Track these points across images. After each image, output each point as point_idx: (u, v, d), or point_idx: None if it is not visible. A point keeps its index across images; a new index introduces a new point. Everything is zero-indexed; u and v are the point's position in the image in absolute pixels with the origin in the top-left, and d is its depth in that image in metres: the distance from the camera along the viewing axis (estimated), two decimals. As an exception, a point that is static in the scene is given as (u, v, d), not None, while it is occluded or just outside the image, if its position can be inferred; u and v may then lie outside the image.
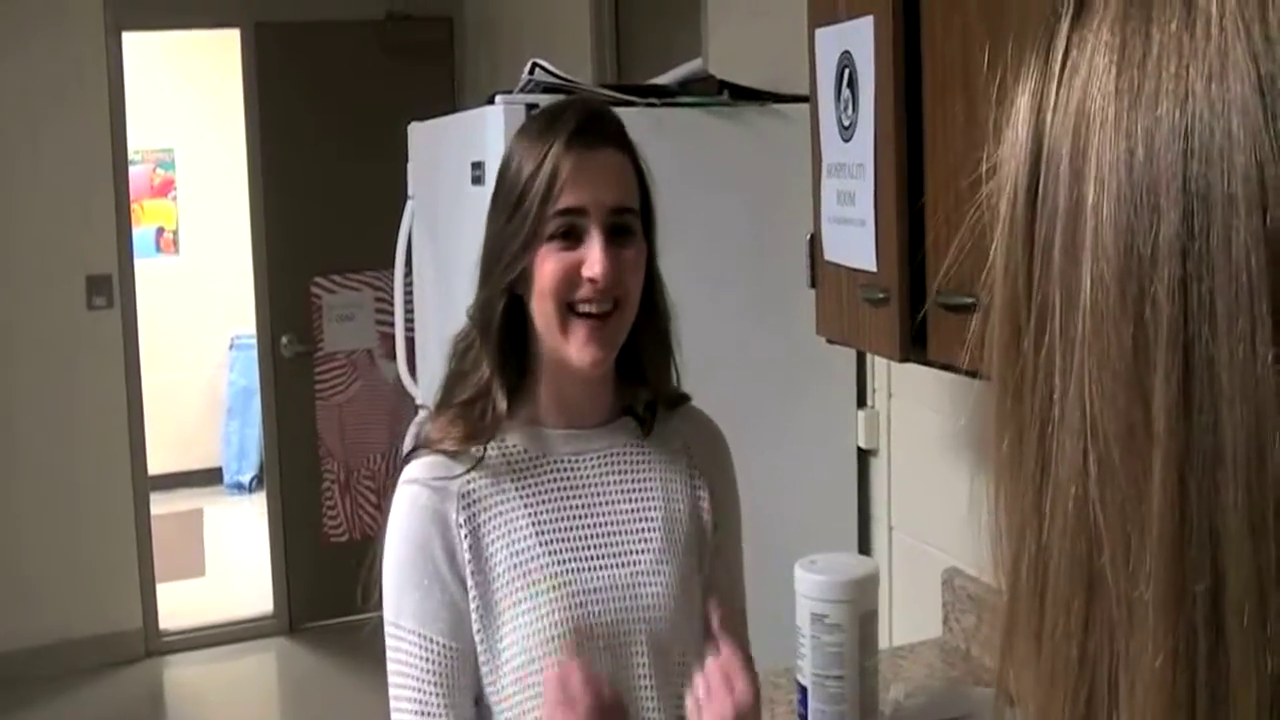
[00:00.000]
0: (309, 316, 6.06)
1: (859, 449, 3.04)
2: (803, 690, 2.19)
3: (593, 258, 1.69)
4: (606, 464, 1.83)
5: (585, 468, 1.82)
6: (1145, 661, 0.47)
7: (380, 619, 1.80)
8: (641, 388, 1.87)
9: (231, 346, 8.56)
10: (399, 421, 5.24)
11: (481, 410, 1.74)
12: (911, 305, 1.89)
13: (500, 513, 1.75)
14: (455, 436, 1.74)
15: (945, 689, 2.43)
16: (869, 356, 3.00)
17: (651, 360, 1.85)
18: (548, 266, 1.70)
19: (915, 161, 1.86)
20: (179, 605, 6.17)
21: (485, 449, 1.75)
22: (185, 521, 7.89)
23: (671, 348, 1.87)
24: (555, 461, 1.81)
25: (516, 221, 1.71)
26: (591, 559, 1.77)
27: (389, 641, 1.76)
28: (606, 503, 1.81)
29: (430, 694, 1.72)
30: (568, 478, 1.80)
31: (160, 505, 6.38)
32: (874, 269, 1.96)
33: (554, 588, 1.73)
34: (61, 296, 5.59)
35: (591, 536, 1.78)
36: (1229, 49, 0.46)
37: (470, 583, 1.73)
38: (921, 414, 2.84)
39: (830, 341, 2.22)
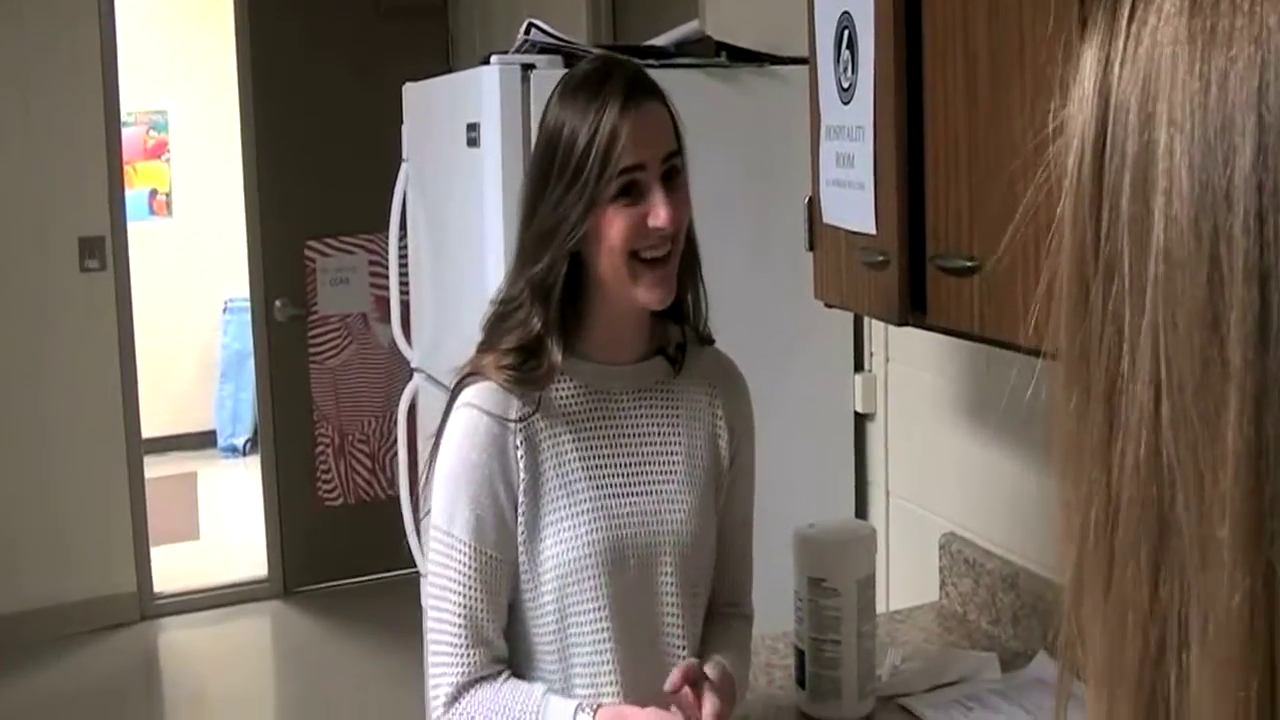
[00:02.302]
0: (303, 279, 6.03)
1: (856, 413, 3.04)
2: (800, 654, 2.19)
3: (658, 210, 1.82)
4: (641, 398, 1.97)
5: (624, 401, 1.96)
6: (1221, 600, 0.47)
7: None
8: (673, 326, 2.01)
9: (225, 309, 8.53)
10: (394, 385, 5.23)
11: (535, 358, 1.86)
12: (911, 268, 1.88)
13: (551, 438, 1.89)
14: (509, 374, 1.86)
15: (942, 653, 2.43)
16: (866, 320, 2.99)
17: (688, 294, 1.98)
18: (616, 225, 1.82)
19: (915, 123, 1.85)
20: (173, 569, 6.17)
21: (540, 396, 1.88)
22: (179, 485, 7.89)
23: (702, 281, 2.00)
24: (599, 394, 1.94)
25: (577, 189, 1.81)
26: (625, 485, 1.93)
27: (437, 547, 1.88)
28: (639, 433, 1.96)
29: (476, 598, 1.86)
30: (609, 410, 1.94)
31: (154, 469, 6.37)
32: (873, 232, 1.95)
33: (593, 509, 1.89)
34: (54, 259, 5.56)
35: (626, 464, 1.94)
36: None
37: (521, 500, 1.87)
38: (919, 378, 2.83)
39: (828, 305, 2.21)
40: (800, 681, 2.19)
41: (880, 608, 2.53)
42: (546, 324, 1.85)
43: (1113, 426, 0.51)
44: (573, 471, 1.89)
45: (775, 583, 2.21)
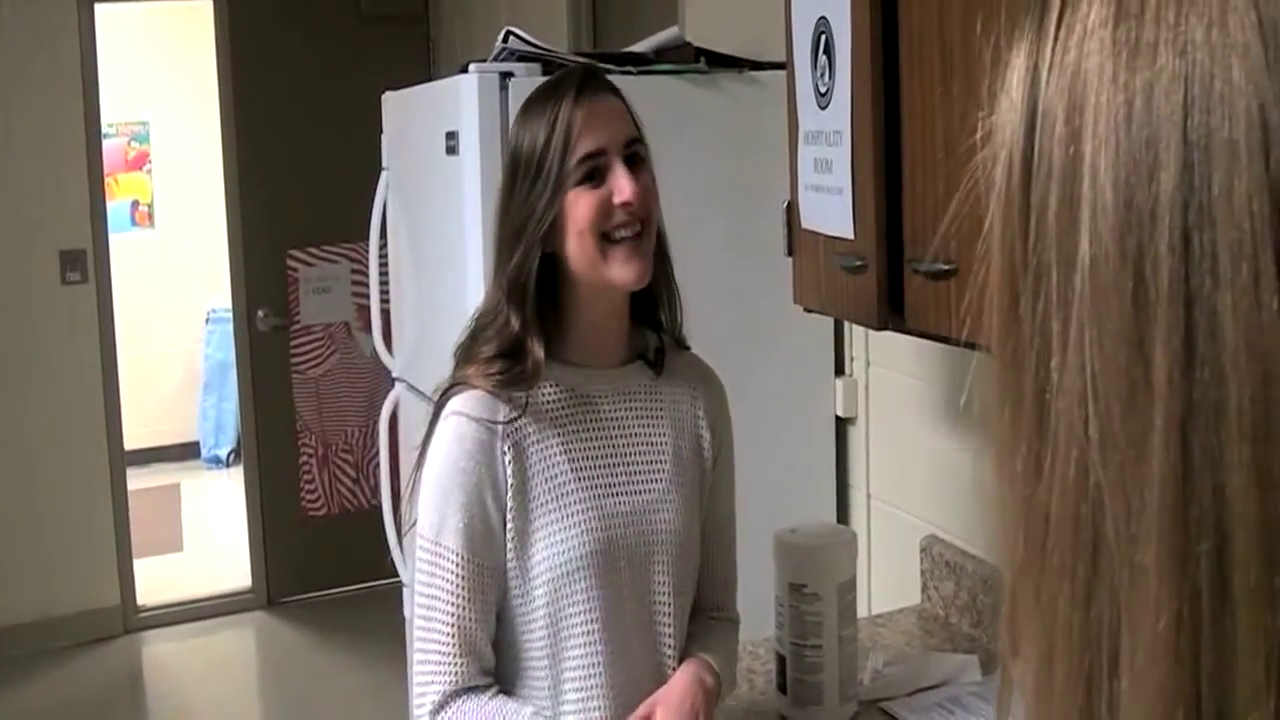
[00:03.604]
0: (285, 289, 6.02)
1: (837, 417, 3.04)
2: (781, 660, 2.19)
3: (621, 185, 1.85)
4: (626, 401, 1.99)
5: (608, 404, 1.97)
6: (1148, 625, 0.46)
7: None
8: (651, 332, 2.03)
9: (208, 320, 8.49)
10: (377, 394, 5.22)
11: (519, 360, 1.87)
12: (889, 272, 1.89)
13: (538, 443, 1.90)
14: (495, 379, 1.88)
15: (923, 656, 2.43)
16: (847, 324, 2.99)
17: (663, 297, 2.01)
18: (581, 206, 1.85)
19: (892, 128, 1.85)
20: (157, 581, 6.15)
21: (527, 397, 1.89)
22: (162, 497, 7.86)
23: (675, 283, 2.02)
24: (583, 398, 1.96)
25: (542, 180, 1.85)
26: (614, 486, 1.94)
27: (426, 557, 1.89)
28: (626, 435, 1.98)
29: (465, 608, 1.86)
30: (594, 413, 1.96)
31: (137, 480, 6.35)
32: (851, 236, 1.95)
33: (583, 512, 1.90)
34: (35, 272, 5.54)
35: (614, 466, 1.95)
36: None
37: (510, 506, 1.88)
38: (900, 381, 2.84)
39: (808, 310, 2.22)
40: (781, 687, 2.19)
41: (861, 611, 2.53)
42: (525, 323, 1.86)
43: (1043, 440, 0.50)
44: (561, 475, 1.90)
45: (756, 588, 2.21)
